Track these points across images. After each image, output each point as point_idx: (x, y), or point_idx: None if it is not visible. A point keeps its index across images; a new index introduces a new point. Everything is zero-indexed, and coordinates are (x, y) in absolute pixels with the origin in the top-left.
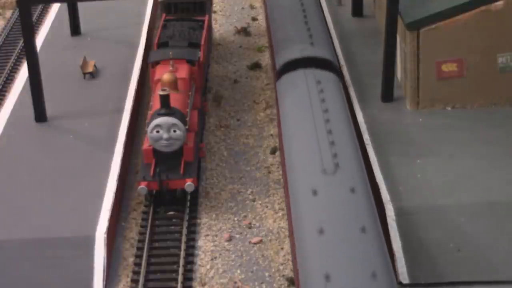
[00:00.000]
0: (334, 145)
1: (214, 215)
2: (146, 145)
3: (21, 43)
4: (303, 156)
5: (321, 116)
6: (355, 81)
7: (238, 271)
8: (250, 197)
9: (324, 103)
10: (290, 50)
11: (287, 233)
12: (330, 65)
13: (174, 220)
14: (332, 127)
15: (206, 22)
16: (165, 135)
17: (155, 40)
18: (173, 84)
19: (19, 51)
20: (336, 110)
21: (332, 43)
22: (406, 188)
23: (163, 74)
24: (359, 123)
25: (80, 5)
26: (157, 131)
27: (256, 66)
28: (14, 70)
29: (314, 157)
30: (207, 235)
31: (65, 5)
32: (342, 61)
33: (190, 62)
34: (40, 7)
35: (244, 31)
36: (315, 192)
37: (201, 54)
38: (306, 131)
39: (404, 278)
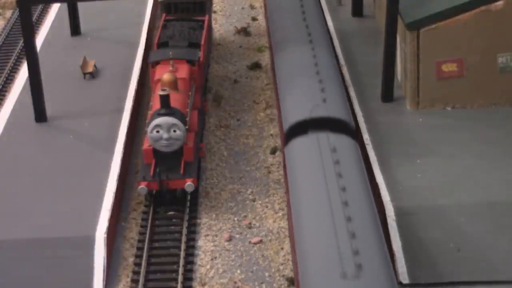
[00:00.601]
0: (355, 238)
1: (214, 215)
2: (146, 145)
3: (21, 43)
4: (317, 253)
5: (338, 197)
6: (355, 81)
7: (238, 271)
8: (250, 197)
9: (342, 179)
10: (299, 108)
11: (287, 233)
12: (346, 126)
13: (174, 220)
14: (351, 213)
15: (206, 22)
16: (165, 135)
17: (155, 40)
18: (173, 84)
19: (19, 51)
20: (355, 188)
21: (345, 88)
22: (406, 188)
23: (163, 74)
24: (359, 123)
25: (80, 5)
26: (157, 131)
27: (256, 66)
28: (14, 70)
29: (331, 255)
30: (207, 235)
31: (65, 5)
32: (342, 61)
33: (190, 62)
34: (40, 7)
35: (244, 31)
36: None
37: (201, 54)
38: (320, 217)
39: (404, 278)
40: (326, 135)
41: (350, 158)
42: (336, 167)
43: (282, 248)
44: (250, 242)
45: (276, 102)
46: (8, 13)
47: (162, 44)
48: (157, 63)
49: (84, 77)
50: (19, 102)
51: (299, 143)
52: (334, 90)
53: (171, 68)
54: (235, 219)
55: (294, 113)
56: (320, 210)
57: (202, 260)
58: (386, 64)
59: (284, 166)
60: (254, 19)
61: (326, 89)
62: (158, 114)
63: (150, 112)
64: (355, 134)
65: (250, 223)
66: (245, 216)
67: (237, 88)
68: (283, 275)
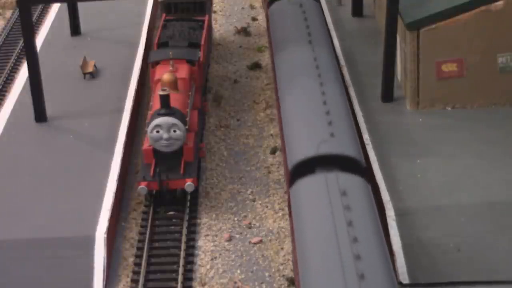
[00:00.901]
0: None
1: (214, 215)
2: (146, 145)
3: (21, 43)
4: None
5: (349, 249)
6: (355, 81)
7: (238, 271)
8: (250, 197)
9: (353, 228)
10: (305, 144)
11: (287, 233)
12: (356, 164)
13: (174, 220)
14: (364, 268)
15: (206, 22)
16: (165, 135)
17: (155, 40)
18: (173, 84)
19: (19, 51)
20: (368, 239)
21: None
22: (406, 188)
23: (163, 74)
24: (359, 123)
25: (80, 5)
26: (157, 131)
27: (256, 66)
28: (14, 70)
29: None
30: (207, 235)
31: (65, 5)
32: (342, 61)
33: (190, 62)
34: (40, 7)
35: (244, 31)
36: None
37: (201, 54)
38: (330, 272)
39: (404, 278)
40: (335, 175)
41: (361, 203)
42: (346, 214)
43: (282, 248)
44: (250, 242)
45: (279, 129)
46: (8, 13)
47: (162, 44)
48: (157, 63)
49: (84, 77)
50: (19, 102)
51: (306, 185)
52: (342, 122)
53: (171, 68)
54: (235, 219)
55: (300, 150)
56: (330, 264)
57: (202, 260)
58: (386, 64)
59: (289, 209)
60: (254, 19)
61: (334, 121)
62: (158, 114)
63: (150, 112)
64: (367, 173)
65: (250, 223)
66: (245, 216)
67: (237, 88)
68: (283, 275)
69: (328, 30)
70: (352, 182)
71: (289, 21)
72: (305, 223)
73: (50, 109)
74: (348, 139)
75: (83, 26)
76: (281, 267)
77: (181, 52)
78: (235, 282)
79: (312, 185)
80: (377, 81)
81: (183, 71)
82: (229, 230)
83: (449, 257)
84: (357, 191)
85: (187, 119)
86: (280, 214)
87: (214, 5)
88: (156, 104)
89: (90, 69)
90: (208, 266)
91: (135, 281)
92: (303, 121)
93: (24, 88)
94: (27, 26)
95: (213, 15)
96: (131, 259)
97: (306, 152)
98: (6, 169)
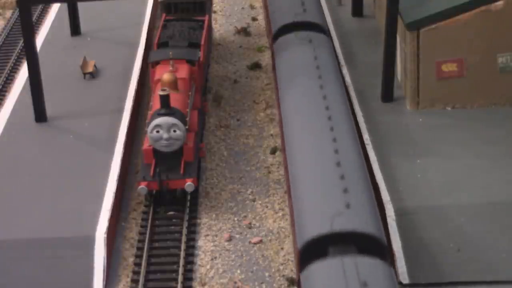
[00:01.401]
0: None
1: (214, 215)
2: (146, 145)
3: (21, 43)
4: None
5: None
6: (355, 81)
7: (238, 271)
8: (250, 197)
9: None
10: (316, 217)
11: (287, 233)
12: (376, 243)
13: (174, 220)
14: None
15: (206, 22)
16: (165, 135)
17: (155, 40)
18: (173, 84)
19: (19, 51)
20: None
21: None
22: (406, 188)
23: (163, 74)
24: (359, 123)
25: (80, 5)
26: (157, 131)
27: (256, 66)
28: (14, 70)
29: None
30: (207, 235)
31: (65, 5)
32: (342, 61)
33: (190, 62)
34: (40, 7)
35: (244, 31)
36: None
37: (201, 54)
38: None
39: (404, 278)
40: (353, 260)
41: None
42: None
43: (282, 248)
44: (250, 242)
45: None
46: (8, 13)
47: (162, 44)
48: (157, 63)
49: (84, 77)
50: (19, 102)
51: (319, 272)
52: (360, 191)
53: (171, 68)
54: (235, 219)
55: (311, 225)
56: None
57: (202, 260)
58: (386, 64)
59: None
60: (254, 19)
61: (350, 187)
62: (158, 114)
63: (150, 112)
64: (388, 253)
65: (250, 223)
66: (245, 216)
67: (237, 88)
68: (283, 275)
69: (340, 68)
70: (373, 269)
71: (297, 59)
72: None
73: (50, 109)
74: (366, 211)
75: (83, 26)
76: (281, 267)
77: (181, 52)
78: (235, 282)
79: (326, 273)
80: (377, 81)
81: (183, 71)
82: (229, 230)
83: (449, 257)
84: (379, 281)
85: (187, 119)
86: (280, 214)
87: (214, 5)
88: (156, 104)
89: (90, 69)
90: (208, 266)
91: (135, 281)
92: (314, 187)
93: (24, 88)
94: (27, 26)
95: (213, 15)
96: (131, 259)
97: (319, 229)
98: (6, 169)
